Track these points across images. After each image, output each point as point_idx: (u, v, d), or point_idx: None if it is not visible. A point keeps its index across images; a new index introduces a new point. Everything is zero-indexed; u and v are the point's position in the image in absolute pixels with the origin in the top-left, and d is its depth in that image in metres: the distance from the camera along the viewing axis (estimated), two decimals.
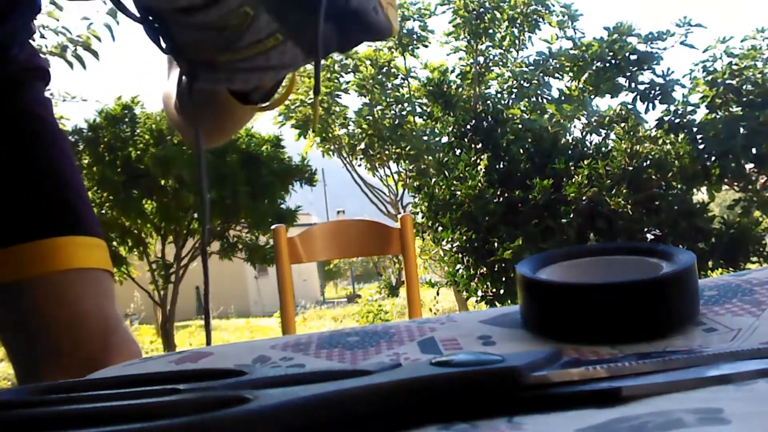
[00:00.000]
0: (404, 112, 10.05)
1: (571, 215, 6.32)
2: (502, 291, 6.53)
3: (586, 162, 6.61)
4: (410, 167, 10.09)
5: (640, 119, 7.97)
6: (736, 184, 7.39)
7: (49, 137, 0.94)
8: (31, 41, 0.98)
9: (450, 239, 6.72)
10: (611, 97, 8.46)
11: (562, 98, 9.14)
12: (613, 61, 8.26)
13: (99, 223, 0.97)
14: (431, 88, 8.36)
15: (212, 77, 0.69)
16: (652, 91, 7.95)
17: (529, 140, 7.09)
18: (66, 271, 0.87)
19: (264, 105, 0.79)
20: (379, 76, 10.09)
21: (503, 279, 6.47)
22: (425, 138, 9.61)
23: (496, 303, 6.52)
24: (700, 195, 7.61)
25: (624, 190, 6.37)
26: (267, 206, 7.93)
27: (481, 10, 9.33)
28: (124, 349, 0.89)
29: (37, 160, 0.91)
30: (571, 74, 8.92)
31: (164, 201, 7.55)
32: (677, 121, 7.51)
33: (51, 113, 0.97)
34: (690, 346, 0.42)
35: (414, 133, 9.66)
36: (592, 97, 8.81)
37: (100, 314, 0.89)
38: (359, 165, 10.44)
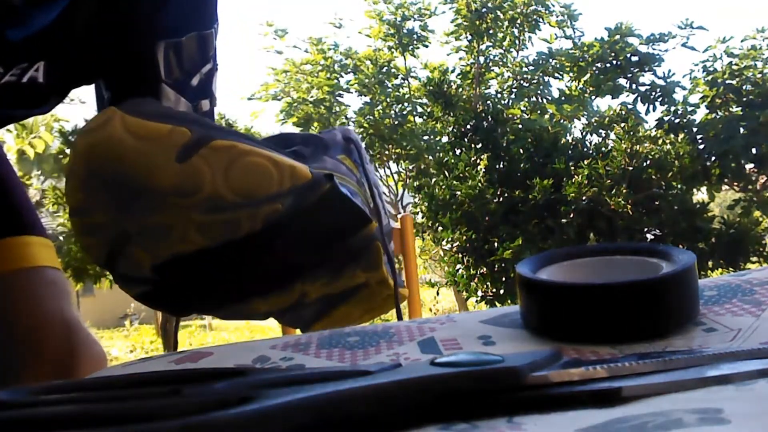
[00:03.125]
0: (404, 112, 10.06)
1: (571, 215, 6.32)
2: (502, 291, 6.53)
3: (586, 162, 6.62)
4: (410, 167, 10.09)
5: (640, 119, 7.97)
6: (736, 184, 7.39)
7: None
8: None
9: (450, 239, 6.72)
10: (612, 98, 8.46)
11: (563, 98, 9.13)
12: (614, 62, 8.25)
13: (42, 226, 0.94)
14: (431, 88, 8.35)
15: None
16: (653, 93, 7.95)
17: (529, 140, 7.09)
18: (23, 269, 0.85)
19: None
20: (380, 76, 10.09)
21: (503, 279, 6.47)
22: (425, 138, 9.61)
23: (496, 303, 6.53)
24: (700, 195, 7.61)
25: (624, 190, 6.37)
26: None
27: (484, 9, 9.33)
28: (89, 350, 0.86)
29: None
30: (571, 74, 8.92)
31: None
32: (677, 121, 7.51)
33: None
34: (690, 346, 0.42)
35: (414, 133, 9.66)
36: (593, 97, 8.80)
37: (62, 316, 0.86)
38: None
